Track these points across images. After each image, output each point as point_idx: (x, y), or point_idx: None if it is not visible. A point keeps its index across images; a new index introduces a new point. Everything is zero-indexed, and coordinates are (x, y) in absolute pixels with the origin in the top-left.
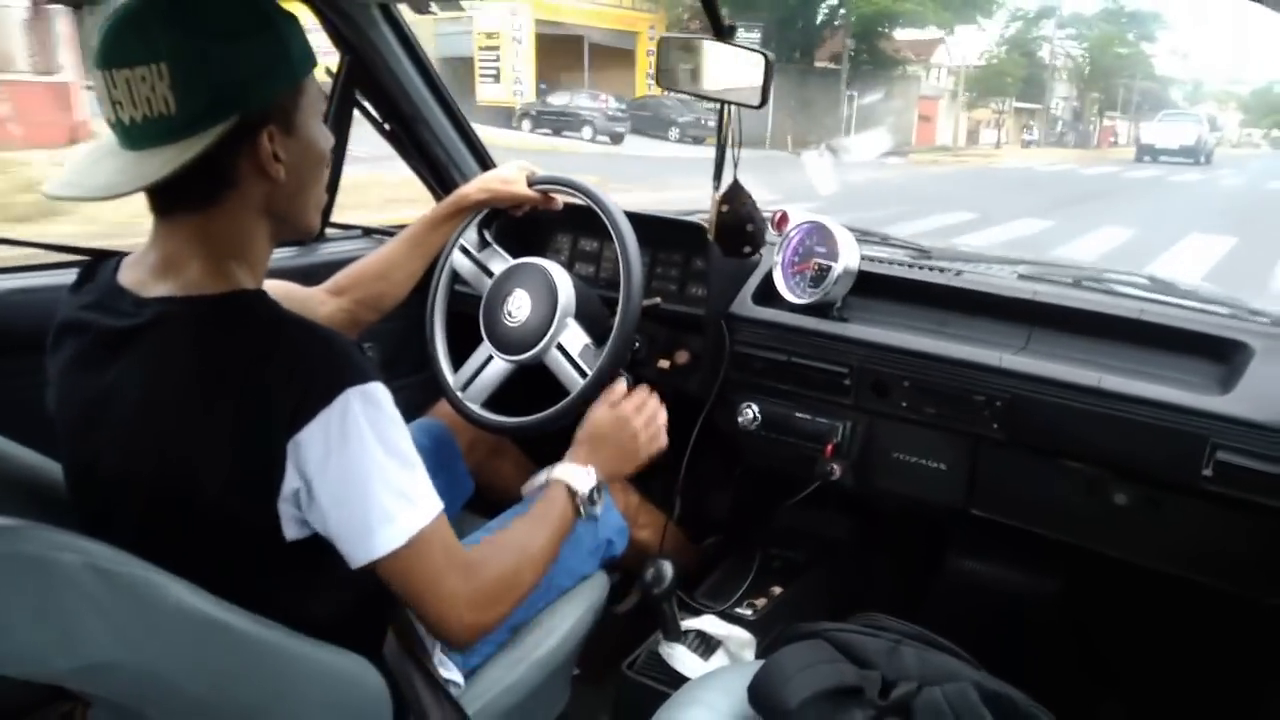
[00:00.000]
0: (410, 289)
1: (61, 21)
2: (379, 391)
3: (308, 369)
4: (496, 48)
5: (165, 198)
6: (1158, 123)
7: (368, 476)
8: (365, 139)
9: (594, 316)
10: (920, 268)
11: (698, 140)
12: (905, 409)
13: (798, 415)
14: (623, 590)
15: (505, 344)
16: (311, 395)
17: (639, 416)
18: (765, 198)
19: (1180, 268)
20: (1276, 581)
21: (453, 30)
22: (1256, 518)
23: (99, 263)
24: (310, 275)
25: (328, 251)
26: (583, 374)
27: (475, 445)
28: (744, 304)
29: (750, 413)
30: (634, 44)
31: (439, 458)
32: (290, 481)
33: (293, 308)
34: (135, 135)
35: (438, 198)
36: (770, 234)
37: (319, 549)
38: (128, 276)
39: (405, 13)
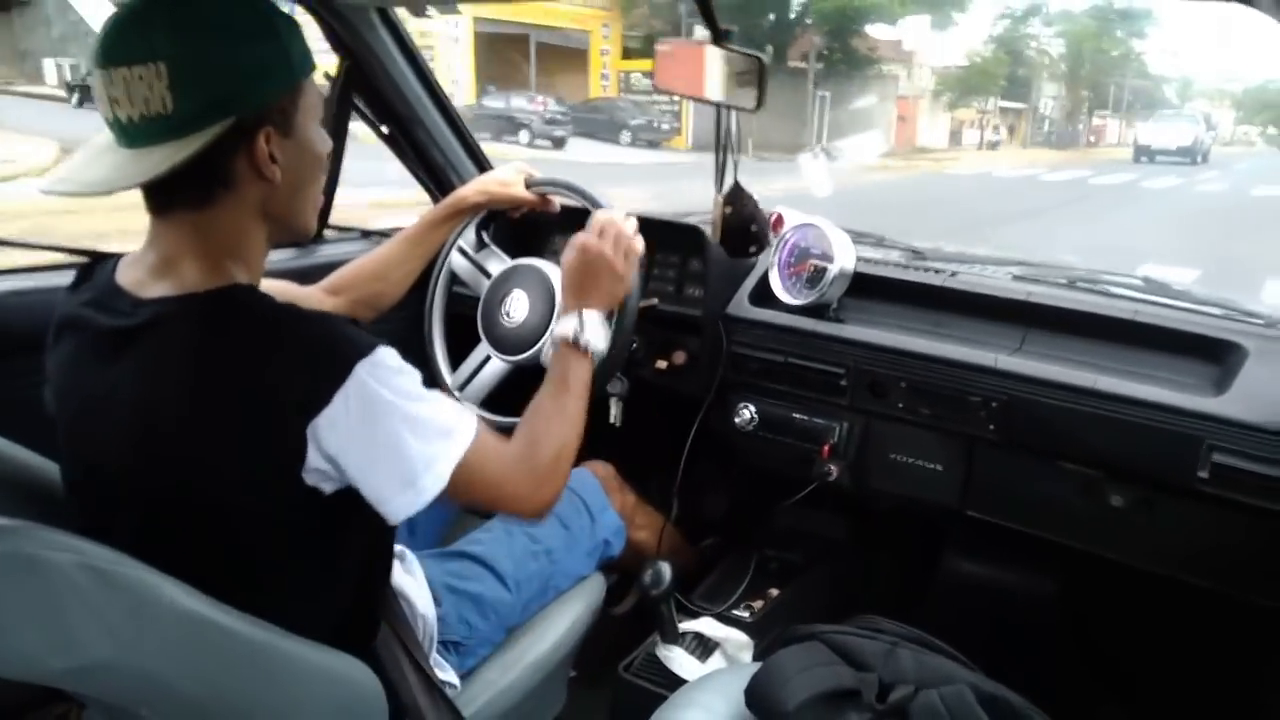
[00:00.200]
0: (407, 289)
1: None
2: (384, 353)
3: (312, 354)
4: (432, 47)
5: (161, 197)
6: (1154, 123)
7: (398, 436)
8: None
9: None
10: (915, 269)
11: (653, 144)
12: (901, 409)
13: (795, 416)
14: (620, 592)
15: (503, 344)
16: (323, 378)
17: (606, 243)
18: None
19: None
20: (1271, 582)
21: None
22: (1251, 519)
23: (97, 263)
24: (307, 277)
25: (326, 253)
26: None
27: None
28: (741, 305)
29: (747, 413)
30: (587, 43)
31: None
32: (313, 462)
33: None
34: (132, 134)
35: (435, 200)
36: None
37: (320, 549)
38: (125, 276)
39: (402, 15)
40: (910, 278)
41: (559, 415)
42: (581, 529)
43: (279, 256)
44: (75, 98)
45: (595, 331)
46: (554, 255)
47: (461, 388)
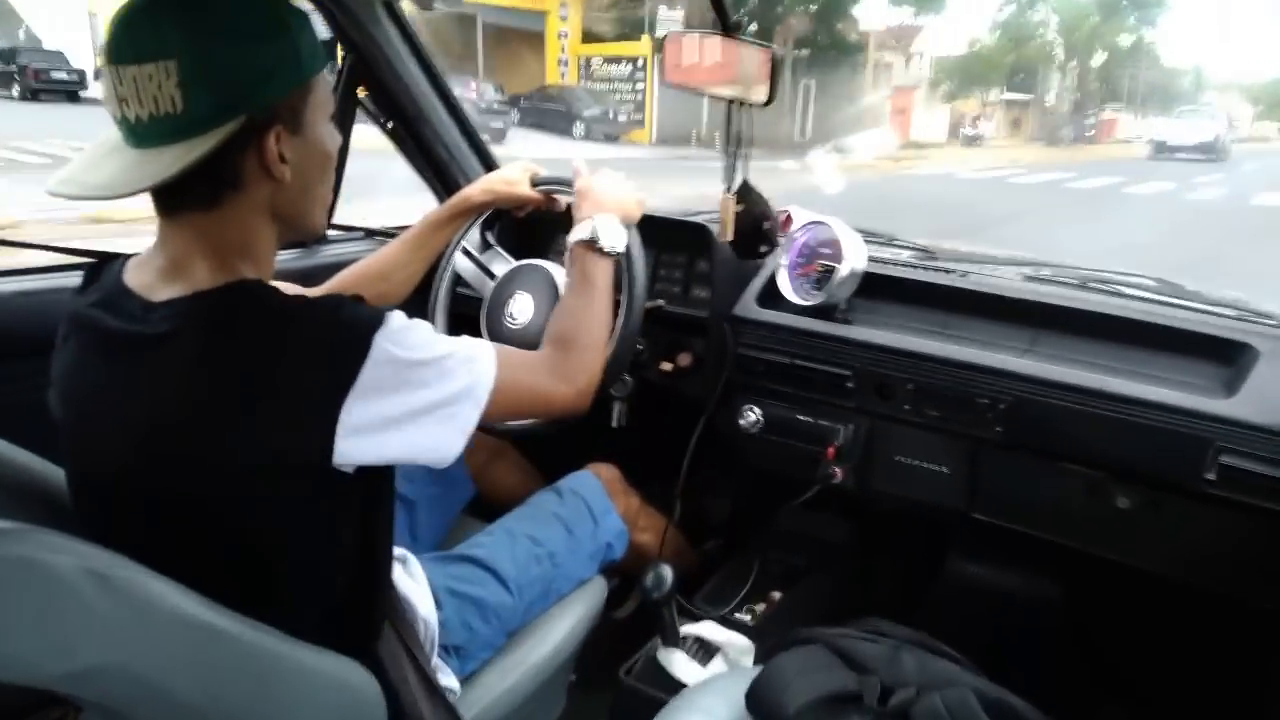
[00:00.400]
0: (412, 289)
1: None
2: (394, 318)
3: (329, 337)
4: None
5: (169, 198)
6: (1174, 119)
7: (428, 386)
8: None
9: None
10: (925, 269)
11: (611, 138)
12: (908, 411)
13: (799, 418)
14: (621, 595)
15: (507, 345)
16: (345, 357)
17: (602, 175)
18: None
19: None
20: (1277, 586)
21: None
22: (1259, 521)
23: (103, 264)
24: (312, 277)
25: (330, 253)
26: None
27: (476, 449)
28: (747, 306)
29: (752, 415)
30: (542, 25)
31: None
32: (342, 442)
33: None
34: (141, 133)
35: (440, 198)
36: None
37: (326, 545)
38: (134, 278)
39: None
40: (920, 278)
41: (585, 310)
42: (584, 532)
43: (283, 256)
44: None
45: (610, 231)
46: (559, 256)
47: None
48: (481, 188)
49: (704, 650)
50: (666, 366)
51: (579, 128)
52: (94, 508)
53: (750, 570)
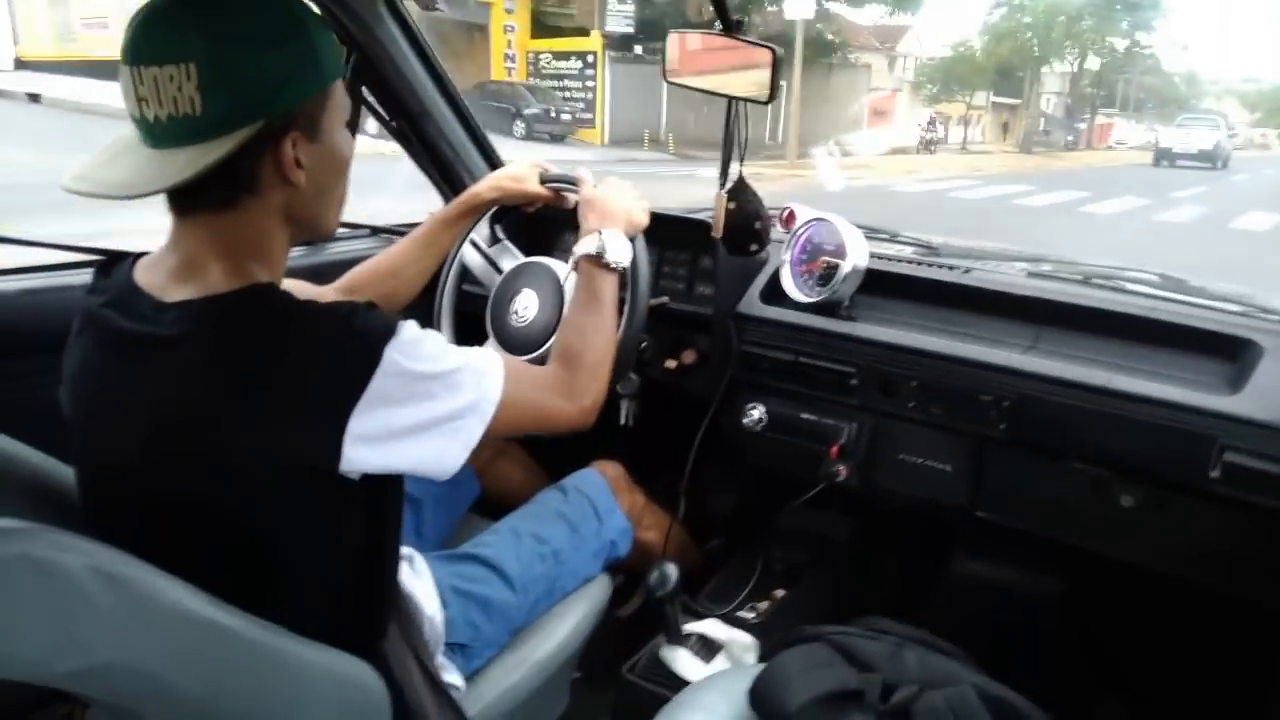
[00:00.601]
0: (421, 287)
1: None
2: (406, 329)
3: (341, 345)
4: None
5: (185, 200)
6: (1176, 127)
7: (436, 398)
8: None
9: None
10: (928, 265)
11: (556, 137)
12: (912, 409)
13: (803, 416)
14: (626, 592)
15: (511, 343)
16: (355, 366)
17: (608, 185)
18: None
19: None
20: (1278, 583)
21: None
22: (1263, 519)
23: (113, 262)
24: (319, 274)
25: (337, 250)
26: None
27: (481, 449)
28: (751, 303)
29: (756, 413)
30: (486, 18)
31: None
32: (349, 449)
33: None
34: (159, 133)
35: (445, 196)
36: (778, 232)
37: (332, 546)
38: (145, 278)
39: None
40: (924, 274)
41: (593, 327)
42: (589, 531)
43: (291, 254)
44: None
45: (617, 247)
46: (566, 253)
47: None
48: (490, 185)
49: (707, 648)
50: (671, 364)
51: (519, 126)
52: (102, 506)
53: (754, 568)
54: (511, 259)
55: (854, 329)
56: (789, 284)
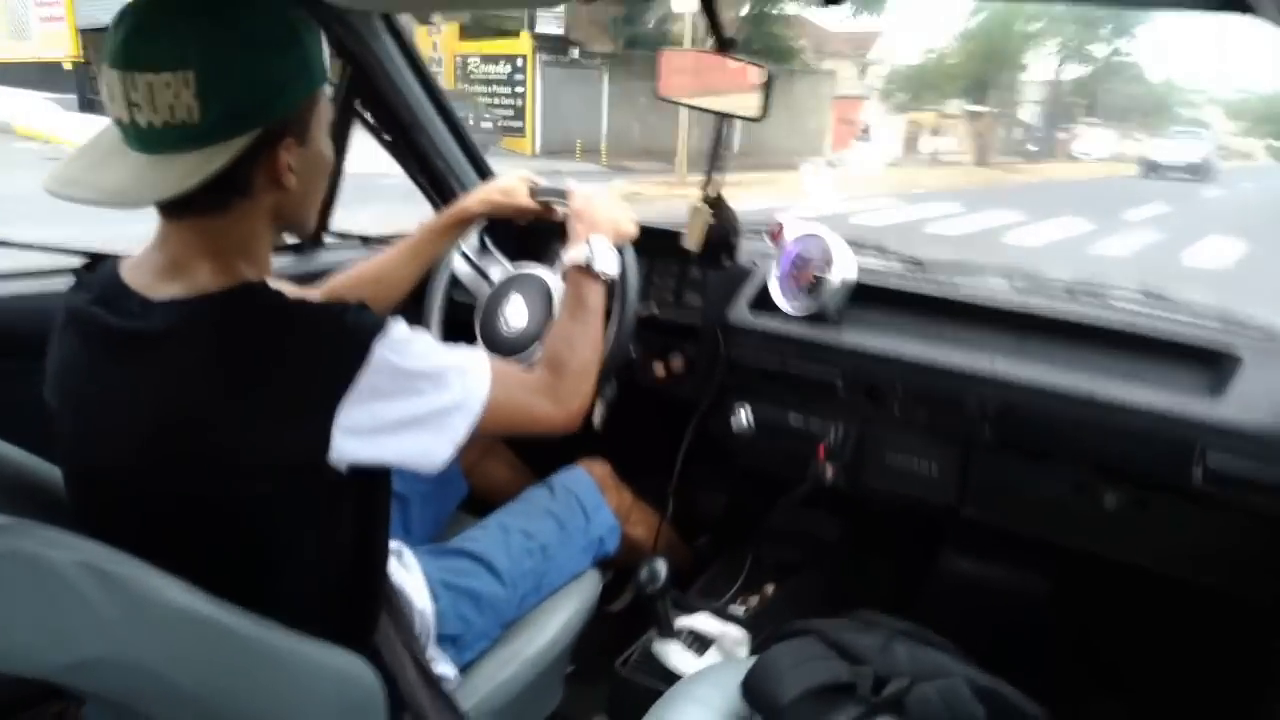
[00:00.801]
0: (404, 295)
1: None
2: (396, 327)
3: (330, 341)
4: None
5: (177, 204)
6: (1165, 140)
7: (424, 395)
8: None
9: None
10: (916, 279)
11: (480, 147)
12: (898, 415)
13: (790, 419)
14: (616, 589)
15: (500, 350)
16: (344, 362)
17: (596, 195)
18: None
19: None
20: (1261, 578)
21: None
22: (1243, 519)
23: (96, 262)
24: (306, 282)
25: (325, 259)
26: None
27: (469, 447)
28: (740, 312)
29: (743, 416)
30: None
31: None
32: (338, 442)
33: None
34: (151, 140)
35: (436, 207)
36: (767, 244)
37: (322, 539)
38: (132, 276)
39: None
40: (910, 287)
41: (580, 334)
42: (576, 527)
43: (280, 262)
44: None
45: (604, 255)
46: (554, 262)
47: None
48: (479, 198)
49: (699, 642)
50: (660, 373)
51: None
52: (90, 503)
53: (743, 565)
54: (500, 268)
55: (840, 338)
56: (777, 295)
